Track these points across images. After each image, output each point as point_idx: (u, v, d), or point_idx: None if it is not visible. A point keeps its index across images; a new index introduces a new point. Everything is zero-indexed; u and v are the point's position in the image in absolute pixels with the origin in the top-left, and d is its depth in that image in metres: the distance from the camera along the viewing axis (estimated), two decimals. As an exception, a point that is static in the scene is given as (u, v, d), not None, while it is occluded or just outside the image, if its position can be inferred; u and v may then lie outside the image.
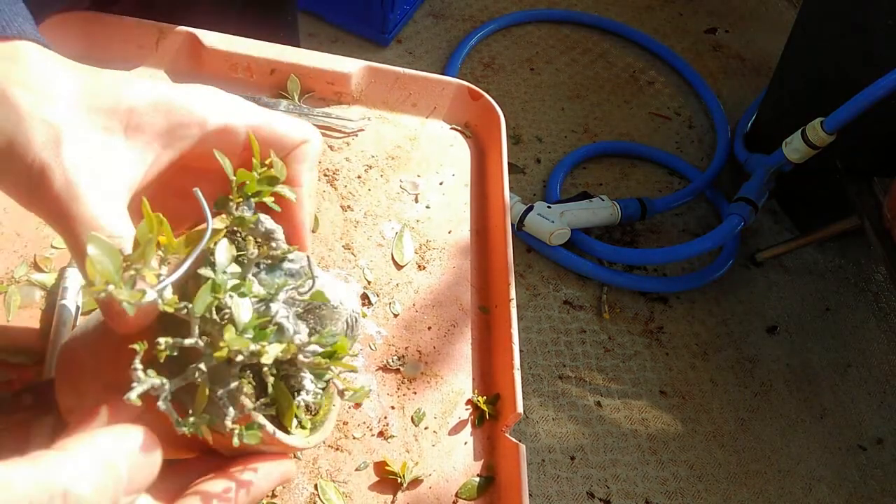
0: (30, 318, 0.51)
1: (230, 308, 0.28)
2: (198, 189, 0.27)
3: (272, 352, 0.28)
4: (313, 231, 0.62)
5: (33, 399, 0.43)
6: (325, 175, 0.67)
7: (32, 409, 0.43)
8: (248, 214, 0.31)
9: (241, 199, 0.31)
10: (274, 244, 0.32)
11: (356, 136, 0.70)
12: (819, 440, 1.60)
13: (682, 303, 1.76)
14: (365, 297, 0.60)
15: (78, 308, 0.51)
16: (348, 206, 0.65)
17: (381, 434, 0.53)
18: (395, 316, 0.59)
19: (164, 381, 0.27)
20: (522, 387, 0.54)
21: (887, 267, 1.44)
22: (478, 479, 0.52)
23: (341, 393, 0.35)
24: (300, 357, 0.30)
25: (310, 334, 0.32)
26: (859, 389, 1.70)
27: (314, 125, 0.69)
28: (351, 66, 0.70)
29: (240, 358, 0.28)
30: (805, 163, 1.67)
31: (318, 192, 0.65)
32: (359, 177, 0.68)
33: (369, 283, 0.60)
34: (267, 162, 0.33)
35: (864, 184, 1.55)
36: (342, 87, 0.71)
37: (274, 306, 0.30)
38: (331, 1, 1.98)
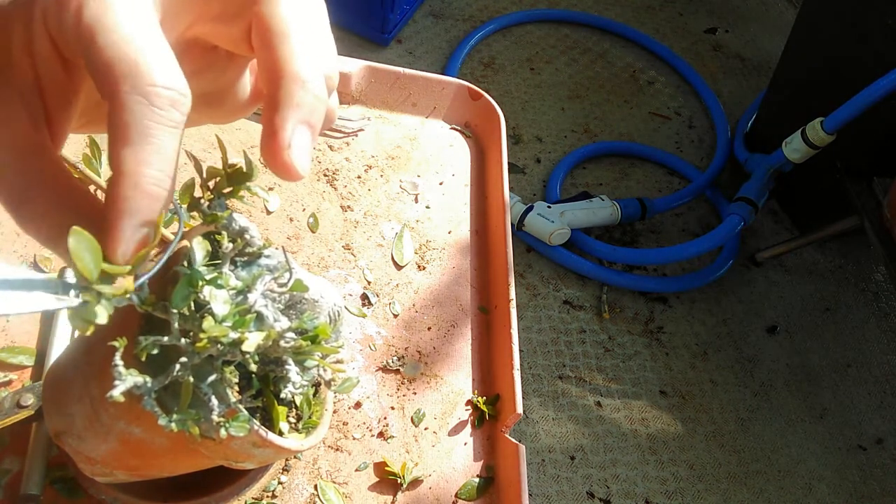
0: (30, 318, 0.51)
1: (209, 302, 0.28)
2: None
3: (253, 339, 0.28)
4: (313, 231, 0.62)
5: (33, 399, 0.43)
6: (325, 175, 0.67)
7: (32, 409, 0.43)
8: (219, 212, 0.31)
9: (212, 197, 0.31)
10: (248, 240, 0.32)
11: (356, 136, 0.70)
12: (819, 440, 1.60)
13: (682, 303, 1.76)
14: (365, 297, 0.59)
15: (78, 308, 0.51)
16: (348, 207, 0.65)
17: (380, 435, 0.53)
18: (395, 316, 0.59)
19: (147, 378, 0.27)
20: (522, 387, 0.54)
21: (887, 267, 1.44)
22: (477, 479, 0.52)
23: (328, 383, 0.35)
24: (282, 343, 0.29)
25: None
26: (859, 389, 1.70)
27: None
28: (351, 66, 0.70)
29: (220, 348, 0.28)
30: (805, 163, 1.67)
31: (318, 192, 0.65)
32: (358, 177, 0.67)
33: (369, 283, 0.60)
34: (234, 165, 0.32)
35: (864, 184, 1.55)
36: (342, 86, 0.70)
37: (252, 296, 0.30)
38: (330, 1, 1.97)
